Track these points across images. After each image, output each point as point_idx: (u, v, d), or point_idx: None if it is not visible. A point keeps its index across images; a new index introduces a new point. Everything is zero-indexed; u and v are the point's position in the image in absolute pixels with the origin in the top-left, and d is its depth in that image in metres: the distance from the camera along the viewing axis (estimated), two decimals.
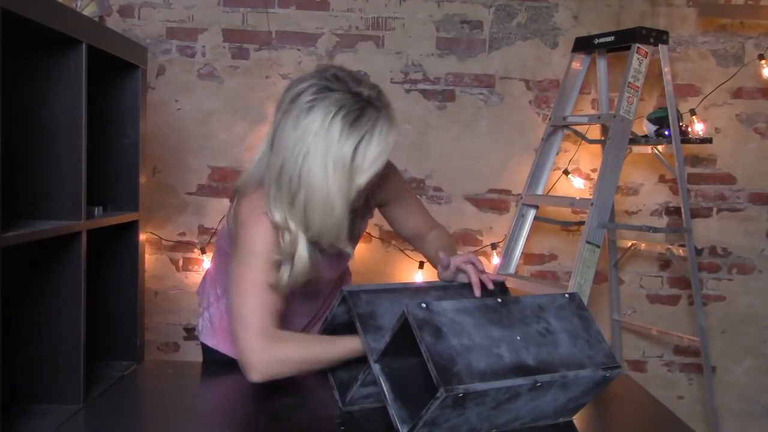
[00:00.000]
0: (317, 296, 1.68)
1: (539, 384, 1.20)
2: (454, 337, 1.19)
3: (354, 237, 1.56)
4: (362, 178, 1.35)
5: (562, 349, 1.28)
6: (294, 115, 1.34)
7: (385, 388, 1.24)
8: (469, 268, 1.45)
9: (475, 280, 1.44)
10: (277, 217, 1.38)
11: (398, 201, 1.70)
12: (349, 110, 1.32)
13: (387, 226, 2.89)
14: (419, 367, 1.20)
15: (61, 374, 1.51)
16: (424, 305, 1.20)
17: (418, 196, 2.98)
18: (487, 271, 1.49)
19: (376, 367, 1.26)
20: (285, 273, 1.40)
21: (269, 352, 1.36)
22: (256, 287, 1.39)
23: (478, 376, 1.15)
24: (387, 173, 1.58)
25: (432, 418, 1.15)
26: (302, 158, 1.33)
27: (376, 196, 1.64)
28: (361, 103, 1.33)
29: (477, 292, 1.42)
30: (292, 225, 1.38)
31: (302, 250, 1.40)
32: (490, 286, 1.45)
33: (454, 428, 1.21)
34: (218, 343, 1.72)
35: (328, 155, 1.31)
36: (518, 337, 1.25)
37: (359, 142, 1.32)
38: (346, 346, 1.39)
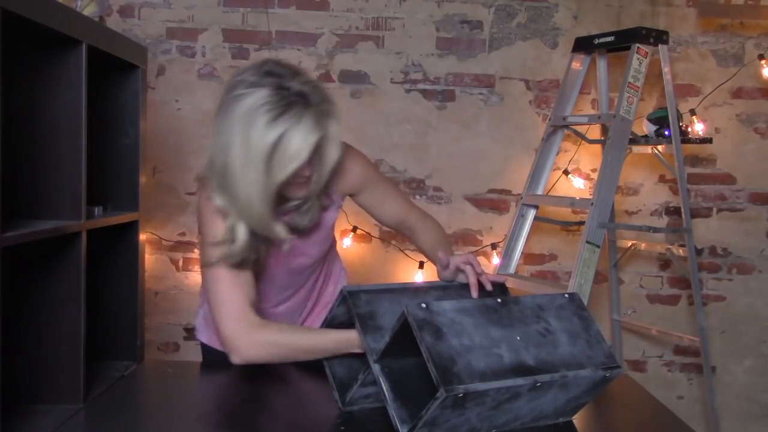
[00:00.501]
0: (291, 287, 1.69)
1: (539, 384, 1.20)
2: (454, 337, 1.19)
3: (302, 228, 1.56)
4: (281, 175, 1.36)
5: (562, 349, 1.28)
6: (224, 107, 1.38)
7: (384, 388, 1.24)
8: (468, 269, 1.46)
9: (472, 281, 1.44)
10: (218, 202, 1.44)
11: (368, 190, 1.70)
12: (272, 106, 1.33)
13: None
14: (419, 367, 1.20)
15: (61, 374, 1.51)
16: (423, 305, 1.20)
17: (418, 196, 2.98)
18: (485, 271, 1.49)
19: (375, 367, 1.26)
20: (219, 252, 1.45)
21: (248, 336, 1.43)
22: (224, 275, 1.46)
23: (478, 376, 1.15)
24: (348, 164, 1.61)
25: (432, 418, 1.14)
26: (226, 150, 1.36)
27: (340, 187, 1.64)
28: (287, 100, 1.34)
29: (474, 294, 1.43)
30: (232, 211, 1.43)
31: (241, 234, 1.44)
32: (488, 287, 1.45)
33: (454, 428, 1.20)
34: (211, 338, 1.76)
35: (247, 150, 1.34)
36: (518, 337, 1.25)
37: (278, 139, 1.33)
38: (330, 336, 1.42)
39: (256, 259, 1.50)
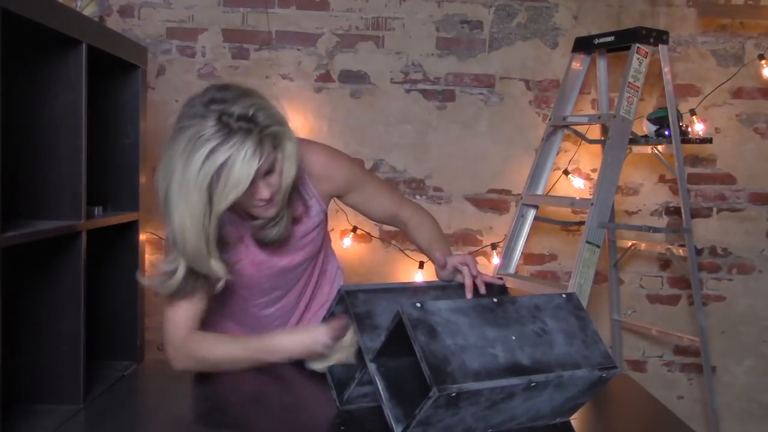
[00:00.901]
0: (278, 289, 1.68)
1: (534, 384, 1.20)
2: (448, 336, 1.19)
3: (270, 241, 1.55)
4: (222, 204, 1.35)
5: (558, 349, 1.28)
6: (170, 138, 1.36)
7: (380, 387, 1.24)
8: (464, 270, 1.46)
9: (468, 283, 1.44)
10: (167, 232, 1.43)
11: (355, 190, 1.69)
12: (211, 137, 1.30)
13: (387, 227, 2.90)
14: (414, 367, 1.20)
15: (61, 374, 1.51)
16: (418, 305, 1.20)
17: (418, 196, 2.98)
18: (483, 272, 1.49)
19: (371, 366, 1.26)
20: (161, 283, 1.48)
21: (182, 349, 1.53)
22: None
23: (471, 375, 1.15)
24: (331, 168, 1.61)
25: (426, 417, 1.15)
26: (167, 183, 1.35)
27: (324, 191, 1.63)
28: (229, 127, 1.31)
29: (468, 295, 1.43)
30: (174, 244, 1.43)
31: (180, 269, 1.44)
32: (482, 291, 1.45)
33: (449, 428, 1.21)
34: None
35: (185, 183, 1.32)
36: (513, 337, 1.25)
37: (219, 168, 1.31)
38: (263, 344, 1.51)
39: (203, 284, 1.50)
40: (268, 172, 1.40)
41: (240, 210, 1.51)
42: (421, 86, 2.99)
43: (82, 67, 1.51)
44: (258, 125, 1.34)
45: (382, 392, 1.24)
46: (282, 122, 1.41)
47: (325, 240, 1.77)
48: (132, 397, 1.64)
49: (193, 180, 1.31)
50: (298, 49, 2.96)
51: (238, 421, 1.41)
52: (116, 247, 1.86)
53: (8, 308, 1.35)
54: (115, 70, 1.85)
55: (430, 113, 3.00)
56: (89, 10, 1.82)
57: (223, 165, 1.31)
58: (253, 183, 1.37)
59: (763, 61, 2.95)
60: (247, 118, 1.33)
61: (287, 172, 1.44)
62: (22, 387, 1.51)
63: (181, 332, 1.52)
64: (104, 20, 2.01)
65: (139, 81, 1.87)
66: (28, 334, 1.51)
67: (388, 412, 1.22)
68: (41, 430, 1.38)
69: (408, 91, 2.99)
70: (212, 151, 1.30)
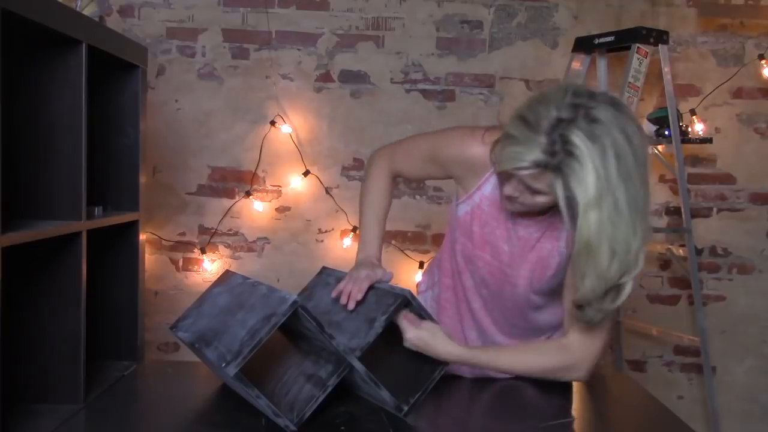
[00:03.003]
0: (480, 283, 1.66)
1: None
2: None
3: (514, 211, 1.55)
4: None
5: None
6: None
7: (371, 379, 1.35)
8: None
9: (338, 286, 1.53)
10: None
11: None
12: (534, 115, 1.29)
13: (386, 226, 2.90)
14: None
15: (61, 374, 1.51)
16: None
17: (418, 197, 2.98)
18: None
19: (359, 365, 1.35)
20: None
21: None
22: None
23: None
24: None
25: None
26: None
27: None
28: (545, 126, 1.26)
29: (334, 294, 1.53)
30: None
31: None
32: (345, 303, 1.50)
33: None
34: None
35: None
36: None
37: (504, 138, 1.35)
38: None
39: None
40: (534, 191, 1.33)
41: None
42: (421, 86, 2.99)
43: (82, 67, 1.51)
44: (564, 155, 1.23)
45: (375, 382, 1.35)
46: (585, 168, 1.22)
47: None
48: (132, 397, 1.64)
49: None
50: (298, 49, 2.96)
51: (238, 421, 1.41)
52: (116, 247, 1.86)
53: (8, 308, 1.35)
54: (115, 70, 1.85)
55: (430, 113, 3.00)
56: (89, 10, 1.82)
57: (509, 137, 1.29)
58: (512, 179, 1.35)
59: (763, 61, 2.95)
60: (566, 146, 1.22)
61: (563, 208, 1.29)
62: (22, 387, 1.50)
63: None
64: (104, 20, 2.01)
65: (139, 81, 1.87)
66: (28, 334, 1.51)
67: (388, 397, 1.35)
68: (41, 430, 1.38)
69: (408, 91, 2.99)
70: (521, 121, 1.28)
